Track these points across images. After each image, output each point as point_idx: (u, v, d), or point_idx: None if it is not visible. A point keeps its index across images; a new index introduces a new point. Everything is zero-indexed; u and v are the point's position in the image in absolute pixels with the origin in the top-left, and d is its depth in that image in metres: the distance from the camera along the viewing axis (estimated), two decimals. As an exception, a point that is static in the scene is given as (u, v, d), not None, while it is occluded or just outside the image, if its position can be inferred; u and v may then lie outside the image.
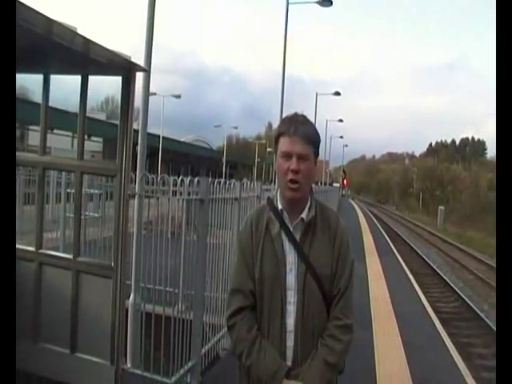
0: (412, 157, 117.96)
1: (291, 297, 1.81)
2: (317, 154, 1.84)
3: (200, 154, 54.88)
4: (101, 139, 31.10)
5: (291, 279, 1.81)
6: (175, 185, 3.69)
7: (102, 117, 39.86)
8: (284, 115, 2.12)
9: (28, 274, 3.18)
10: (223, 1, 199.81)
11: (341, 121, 42.30)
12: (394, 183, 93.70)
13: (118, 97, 3.28)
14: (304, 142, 1.77)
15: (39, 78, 3.30)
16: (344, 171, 59.28)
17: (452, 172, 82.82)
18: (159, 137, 35.39)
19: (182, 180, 3.66)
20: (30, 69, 3.31)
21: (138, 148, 4.07)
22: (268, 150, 63.60)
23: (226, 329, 4.11)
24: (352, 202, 52.18)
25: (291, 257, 1.82)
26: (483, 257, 21.61)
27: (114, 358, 3.04)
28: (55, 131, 21.52)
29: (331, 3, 16.32)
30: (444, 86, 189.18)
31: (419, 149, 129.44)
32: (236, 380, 1.93)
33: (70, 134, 21.59)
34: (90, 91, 3.23)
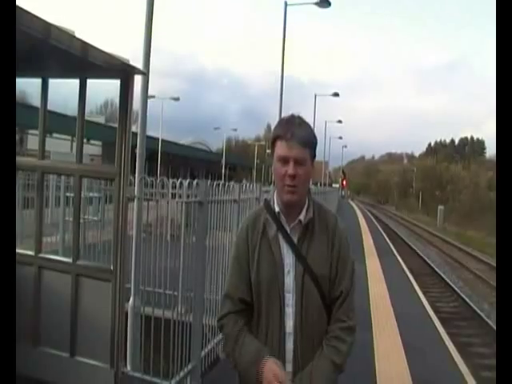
0: (411, 157, 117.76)
1: (289, 299, 1.80)
2: (314, 155, 1.84)
3: (199, 157, 54.88)
4: (100, 143, 31.11)
5: (289, 281, 1.80)
6: (174, 187, 3.68)
7: (100, 120, 39.88)
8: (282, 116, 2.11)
9: (28, 278, 3.18)
10: (222, 4, 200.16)
11: (340, 122, 42.29)
12: (394, 183, 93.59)
13: (117, 100, 3.28)
14: (301, 146, 1.76)
15: (37, 81, 3.30)
16: (343, 172, 59.29)
17: (451, 171, 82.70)
18: (158, 139, 35.37)
19: (181, 182, 3.66)
20: (29, 73, 3.31)
21: (137, 151, 4.07)
22: (267, 151, 63.39)
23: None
24: (351, 203, 52.18)
25: (289, 259, 1.82)
26: (483, 256, 21.59)
27: (113, 361, 3.04)
28: (54, 135, 21.59)
29: (329, 4, 16.30)
30: (444, 86, 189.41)
31: (418, 149, 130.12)
32: (236, 382, 1.92)
33: (68, 137, 21.59)
34: (88, 94, 3.23)
